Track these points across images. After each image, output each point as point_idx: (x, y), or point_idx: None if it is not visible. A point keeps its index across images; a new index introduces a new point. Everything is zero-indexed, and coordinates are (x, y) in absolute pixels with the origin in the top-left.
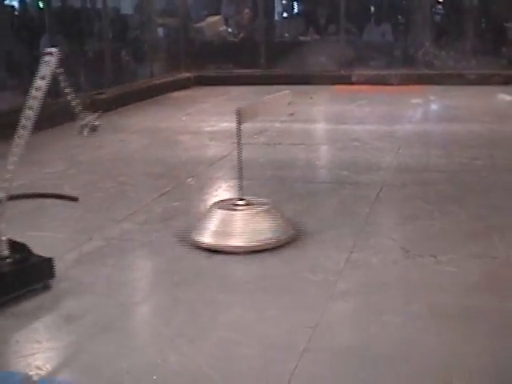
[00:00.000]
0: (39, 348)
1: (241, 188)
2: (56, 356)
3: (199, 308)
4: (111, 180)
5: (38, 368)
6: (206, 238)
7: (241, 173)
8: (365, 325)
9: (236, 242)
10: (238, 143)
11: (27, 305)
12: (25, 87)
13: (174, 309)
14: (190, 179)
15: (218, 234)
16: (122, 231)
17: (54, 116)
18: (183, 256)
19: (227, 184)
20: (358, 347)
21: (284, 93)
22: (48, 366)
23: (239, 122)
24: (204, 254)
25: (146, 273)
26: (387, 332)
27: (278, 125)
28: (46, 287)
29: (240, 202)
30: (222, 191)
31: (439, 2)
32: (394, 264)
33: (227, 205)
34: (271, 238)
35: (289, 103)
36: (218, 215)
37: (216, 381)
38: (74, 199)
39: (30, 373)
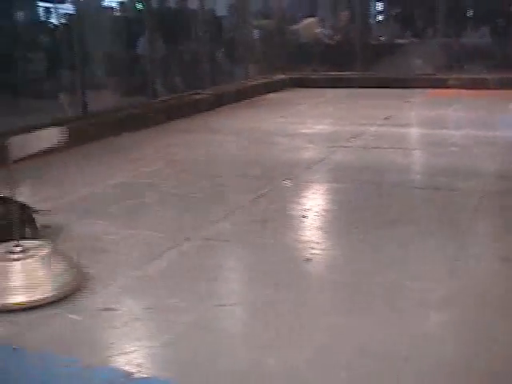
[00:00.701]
0: (139, 346)
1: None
2: (155, 354)
3: (297, 310)
4: (207, 180)
5: (139, 366)
6: None
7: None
8: (466, 336)
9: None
10: (10, 182)
11: (126, 301)
12: (124, 87)
13: (272, 311)
14: (286, 181)
15: None
16: (219, 232)
17: (149, 116)
18: (286, 258)
19: (324, 187)
20: (460, 359)
21: (56, 129)
22: (148, 364)
23: (12, 156)
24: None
25: (243, 274)
26: (490, 345)
27: (374, 128)
28: None
29: (16, 249)
30: (319, 194)
31: None
32: (497, 275)
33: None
34: (54, 289)
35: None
36: None
37: None
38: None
39: (131, 370)
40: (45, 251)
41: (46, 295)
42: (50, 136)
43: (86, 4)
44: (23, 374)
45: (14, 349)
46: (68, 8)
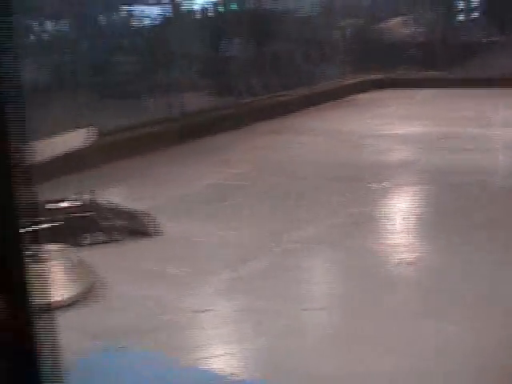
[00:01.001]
0: (232, 348)
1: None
2: (248, 357)
3: (389, 315)
4: (296, 182)
5: (232, 368)
6: None
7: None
8: None
9: None
10: None
11: (219, 303)
12: (216, 88)
13: (364, 315)
14: (377, 184)
15: None
16: (309, 234)
17: (240, 116)
18: (377, 261)
19: (414, 189)
20: None
21: (80, 131)
22: (240, 367)
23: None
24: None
25: (334, 277)
26: None
27: (464, 129)
28: None
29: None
30: (410, 197)
31: None
32: None
33: None
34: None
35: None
36: None
37: None
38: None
39: (224, 373)
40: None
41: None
42: (76, 137)
43: (178, 6)
44: (124, 373)
45: (116, 349)
46: (161, 10)
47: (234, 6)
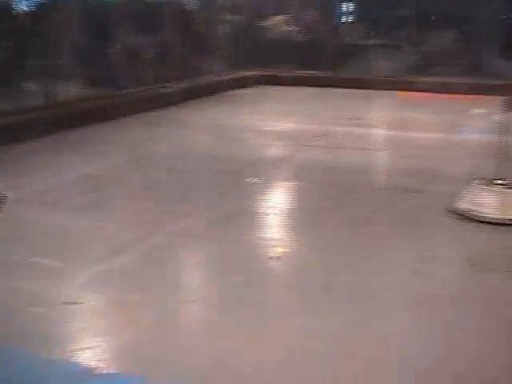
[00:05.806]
0: (99, 342)
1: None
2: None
3: None
4: (171, 176)
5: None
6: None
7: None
8: None
9: None
10: None
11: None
12: (89, 78)
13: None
14: (252, 178)
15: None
16: (184, 227)
17: (118, 107)
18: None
19: (290, 183)
20: None
21: None
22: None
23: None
24: None
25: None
26: None
27: (339, 128)
28: None
29: (501, 182)
30: (285, 190)
31: None
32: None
33: (492, 183)
34: None
35: None
36: (495, 192)
37: None
38: None
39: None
40: None
41: None
42: None
43: None
44: None
45: None
46: None
47: None
